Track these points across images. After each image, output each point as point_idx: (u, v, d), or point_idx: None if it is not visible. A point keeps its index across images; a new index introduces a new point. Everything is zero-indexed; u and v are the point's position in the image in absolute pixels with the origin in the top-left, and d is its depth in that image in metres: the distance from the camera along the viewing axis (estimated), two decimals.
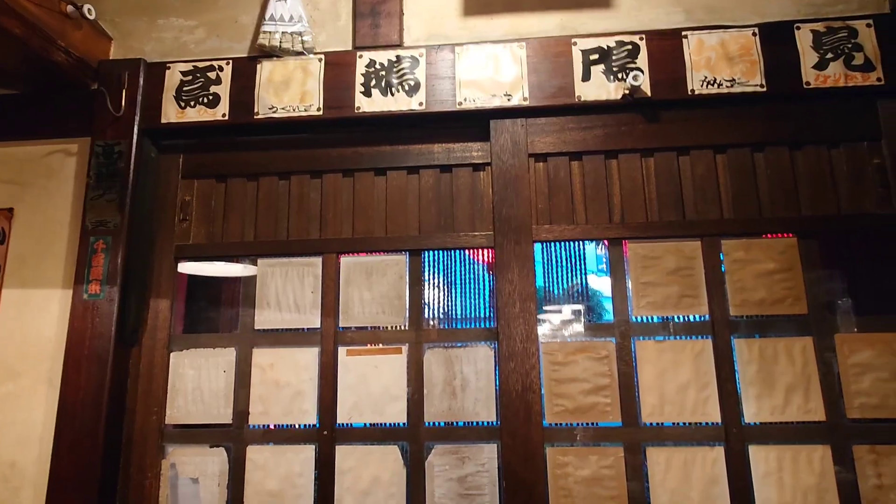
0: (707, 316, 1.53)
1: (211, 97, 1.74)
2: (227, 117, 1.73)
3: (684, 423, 1.47)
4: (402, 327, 1.65)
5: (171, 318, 1.68)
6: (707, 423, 1.47)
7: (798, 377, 1.46)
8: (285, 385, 1.62)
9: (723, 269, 1.54)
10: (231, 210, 1.77)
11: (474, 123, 1.70)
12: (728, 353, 1.49)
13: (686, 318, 1.54)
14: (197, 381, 1.64)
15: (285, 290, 1.70)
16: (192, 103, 1.75)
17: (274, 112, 1.72)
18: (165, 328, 1.66)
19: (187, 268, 1.87)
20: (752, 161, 1.60)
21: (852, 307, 1.53)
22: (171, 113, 1.75)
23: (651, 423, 1.48)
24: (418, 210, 1.71)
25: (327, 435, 1.57)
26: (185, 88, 1.76)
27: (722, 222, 1.57)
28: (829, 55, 1.57)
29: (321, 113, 1.71)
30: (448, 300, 1.89)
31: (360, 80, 1.71)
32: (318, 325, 1.65)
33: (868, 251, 1.58)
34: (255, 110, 1.72)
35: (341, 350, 1.63)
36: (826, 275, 1.53)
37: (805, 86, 1.57)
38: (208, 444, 1.60)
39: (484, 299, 1.93)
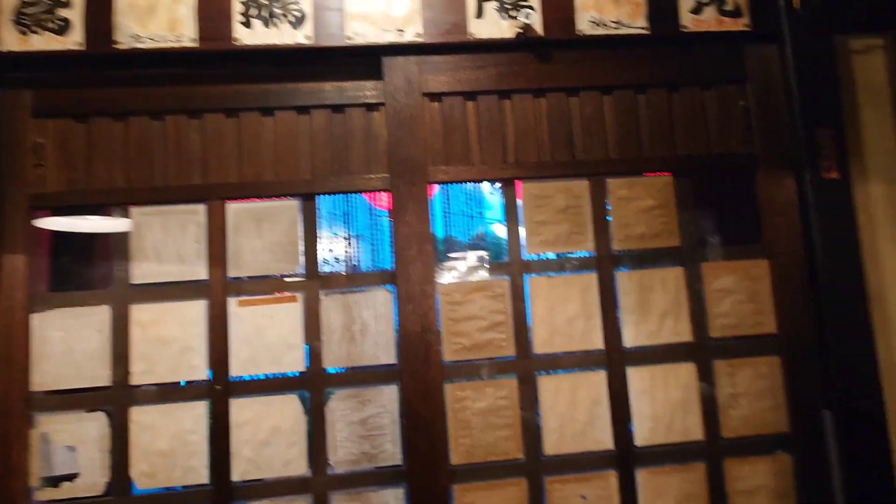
0: (593, 251, 1.61)
1: (60, 22, 1.52)
2: (82, 46, 1.52)
3: (572, 352, 1.57)
4: (298, 275, 1.59)
5: (30, 275, 1.50)
6: (592, 351, 1.57)
7: (671, 304, 1.60)
8: (171, 341, 1.52)
9: (608, 206, 1.63)
10: (96, 154, 1.58)
11: (366, 60, 1.63)
12: (611, 286, 1.60)
13: (575, 255, 1.62)
14: (67, 342, 1.49)
15: (165, 240, 1.57)
16: (37, 29, 1.51)
17: (139, 42, 1.54)
18: (23, 287, 1.48)
19: (47, 220, 1.67)
20: (635, 102, 1.68)
21: (718, 238, 1.68)
22: (11, 40, 1.51)
23: (542, 354, 1.57)
24: (310, 152, 1.63)
25: (221, 389, 1.51)
26: (25, 11, 1.52)
27: (608, 162, 1.64)
28: (705, 0, 1.65)
29: (196, 45, 1.55)
30: (345, 245, 1.84)
31: (238, 8, 1.57)
32: (206, 277, 1.55)
33: (732, 187, 1.73)
34: (116, 39, 1.53)
35: (232, 301, 1.55)
36: (697, 210, 1.66)
37: (682, 29, 1.64)
38: (85, 408, 1.48)
39: (382, 243, 1.91)
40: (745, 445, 1.57)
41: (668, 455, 1.55)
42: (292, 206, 1.61)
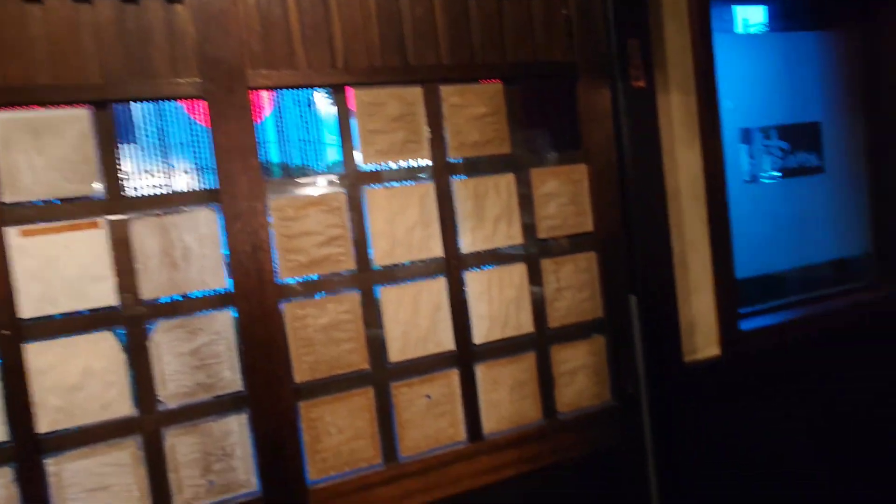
0: (429, 160, 1.61)
1: None
2: None
3: (412, 262, 1.59)
4: (98, 196, 1.37)
5: None
6: (432, 259, 1.61)
7: (503, 209, 1.68)
8: None
9: (442, 114, 1.62)
10: None
11: None
12: (448, 194, 1.62)
13: (411, 164, 1.60)
14: None
15: None
16: None
17: None
18: None
19: None
20: (466, 5, 1.64)
21: (544, 145, 1.77)
22: None
23: (383, 266, 1.56)
24: (99, 51, 1.36)
25: (9, 334, 1.28)
26: None
27: (440, 67, 1.61)
28: None
29: None
30: (158, 161, 1.63)
31: None
32: None
33: (558, 95, 1.81)
34: None
35: (11, 231, 1.29)
36: (526, 117, 1.72)
37: None
38: None
39: (205, 159, 1.72)
40: (567, 332, 1.75)
41: (503, 349, 1.68)
42: (81, 115, 1.36)
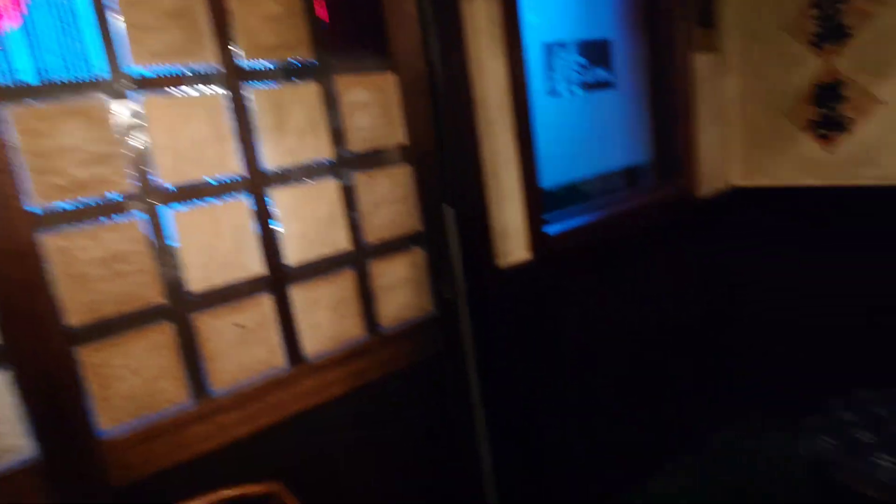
0: (218, 65, 1.41)
1: None
2: None
3: (207, 180, 1.42)
4: None
5: None
6: (230, 176, 1.45)
7: (308, 121, 1.56)
8: None
9: (227, 10, 1.41)
10: None
11: None
12: (242, 103, 1.45)
13: (194, 69, 1.40)
14: None
15: None
16: None
17: None
18: None
19: None
20: None
21: (350, 51, 1.66)
22: None
23: (169, 187, 1.38)
24: None
25: None
26: None
27: None
28: None
29: None
30: None
31: None
32: None
33: None
34: None
35: None
36: (327, 20, 1.58)
37: None
38: None
39: None
40: (386, 247, 1.74)
41: (319, 269, 1.61)
42: None
